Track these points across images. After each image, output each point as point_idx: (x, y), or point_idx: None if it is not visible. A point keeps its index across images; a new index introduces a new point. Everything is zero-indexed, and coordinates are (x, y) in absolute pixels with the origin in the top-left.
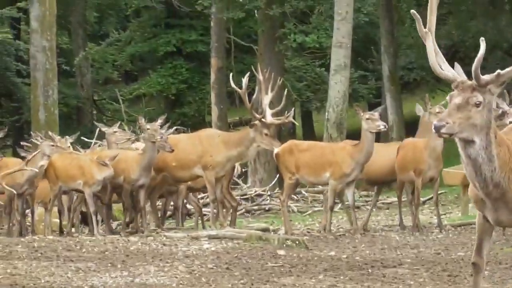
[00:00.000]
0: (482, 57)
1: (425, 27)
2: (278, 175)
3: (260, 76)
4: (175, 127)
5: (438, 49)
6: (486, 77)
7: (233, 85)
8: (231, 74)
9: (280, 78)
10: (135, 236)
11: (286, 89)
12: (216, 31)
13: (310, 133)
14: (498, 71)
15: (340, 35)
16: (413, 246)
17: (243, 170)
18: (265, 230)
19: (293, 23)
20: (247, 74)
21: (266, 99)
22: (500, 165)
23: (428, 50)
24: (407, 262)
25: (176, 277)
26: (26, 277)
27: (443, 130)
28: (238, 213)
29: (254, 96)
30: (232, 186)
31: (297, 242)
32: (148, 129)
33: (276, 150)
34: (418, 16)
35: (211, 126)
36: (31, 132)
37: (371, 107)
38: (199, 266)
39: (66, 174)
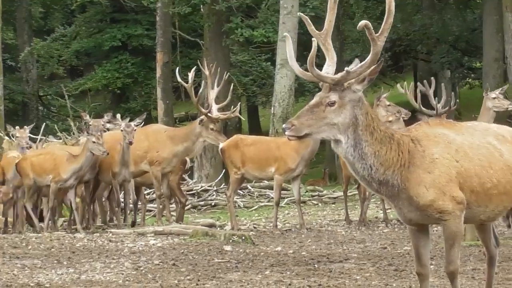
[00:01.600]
0: (313, 56)
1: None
2: (224, 170)
3: (206, 71)
4: (138, 120)
5: (332, 49)
6: (334, 76)
7: (179, 79)
8: (177, 69)
9: (227, 73)
10: (81, 232)
11: (232, 84)
12: (161, 25)
13: (256, 128)
14: (346, 68)
15: (285, 29)
16: (359, 241)
17: (189, 165)
18: (211, 225)
19: (240, 17)
20: (193, 69)
21: (212, 93)
22: (382, 163)
23: (288, 52)
24: (353, 257)
25: (122, 274)
26: None
27: (287, 133)
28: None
29: (200, 90)
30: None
31: (243, 238)
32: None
33: (221, 145)
34: (306, 17)
35: (157, 121)
36: None
37: None
38: (145, 262)
39: (40, 168)
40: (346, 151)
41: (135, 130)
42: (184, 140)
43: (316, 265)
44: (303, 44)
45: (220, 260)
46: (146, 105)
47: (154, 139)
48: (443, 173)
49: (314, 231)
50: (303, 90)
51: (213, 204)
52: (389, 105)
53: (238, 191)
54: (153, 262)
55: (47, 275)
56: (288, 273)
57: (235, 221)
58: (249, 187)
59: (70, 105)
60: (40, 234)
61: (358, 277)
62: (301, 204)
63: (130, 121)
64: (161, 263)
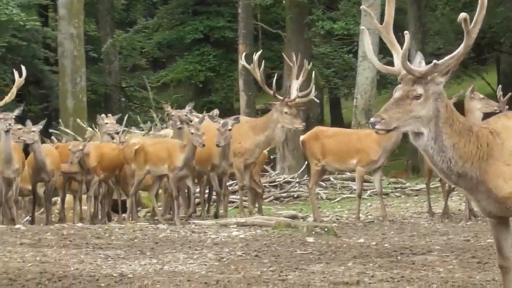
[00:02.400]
0: (407, 50)
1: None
2: (306, 162)
3: (290, 62)
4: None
5: (395, 42)
6: (422, 69)
7: (243, 63)
8: (243, 54)
9: (309, 63)
10: (164, 223)
11: (314, 73)
12: (243, 17)
13: (338, 120)
14: (435, 61)
15: (367, 22)
16: (442, 233)
17: (272, 157)
18: (294, 217)
19: (321, 10)
20: (259, 52)
21: (295, 84)
22: (461, 155)
23: (366, 45)
24: (436, 249)
25: (205, 265)
26: (56, 265)
27: (377, 126)
28: (267, 200)
29: (274, 80)
30: (261, 173)
31: (326, 229)
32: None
33: (302, 137)
34: (370, 11)
35: (239, 113)
36: (59, 120)
37: None
38: (228, 254)
39: (156, 157)
40: (426, 144)
41: (230, 129)
42: (264, 129)
43: (398, 257)
44: None
45: (302, 252)
46: (228, 98)
47: (236, 131)
48: None
49: (397, 223)
50: (385, 82)
51: (295, 195)
52: (483, 98)
53: (321, 182)
54: (235, 253)
55: (130, 265)
56: (371, 265)
57: (318, 213)
58: (332, 179)
59: (152, 96)
60: (123, 225)
61: (441, 269)
62: (384, 196)
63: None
64: (243, 254)
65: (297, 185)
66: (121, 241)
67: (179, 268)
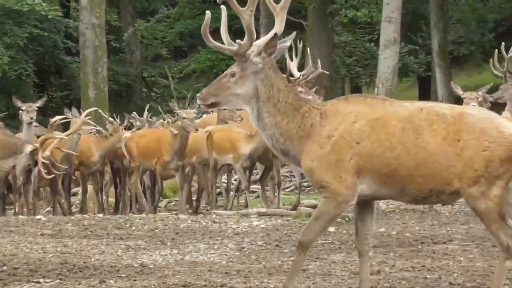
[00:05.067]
0: (206, 27)
1: None
2: None
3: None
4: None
5: (252, 27)
6: (233, 48)
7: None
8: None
9: (300, 41)
10: (184, 213)
11: (308, 50)
12: (265, 7)
13: None
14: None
15: (389, 10)
16: (463, 222)
17: None
18: (315, 207)
19: None
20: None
21: (293, 65)
22: (281, 133)
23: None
24: (457, 238)
25: (226, 255)
26: (76, 255)
27: (198, 101)
28: (288, 189)
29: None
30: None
31: (346, 219)
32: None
33: None
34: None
35: None
36: (80, 110)
37: (420, 80)
38: (248, 243)
39: (218, 146)
40: (252, 121)
41: None
42: None
43: (419, 247)
44: (406, 25)
45: (323, 241)
46: None
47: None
48: (334, 151)
49: (418, 212)
50: (406, 70)
51: None
52: None
53: None
54: (256, 243)
55: (151, 256)
56: (392, 254)
57: None
58: None
59: (174, 86)
60: (144, 215)
61: (461, 259)
62: None
63: None
64: (264, 244)
65: None
66: (142, 231)
67: (200, 258)
